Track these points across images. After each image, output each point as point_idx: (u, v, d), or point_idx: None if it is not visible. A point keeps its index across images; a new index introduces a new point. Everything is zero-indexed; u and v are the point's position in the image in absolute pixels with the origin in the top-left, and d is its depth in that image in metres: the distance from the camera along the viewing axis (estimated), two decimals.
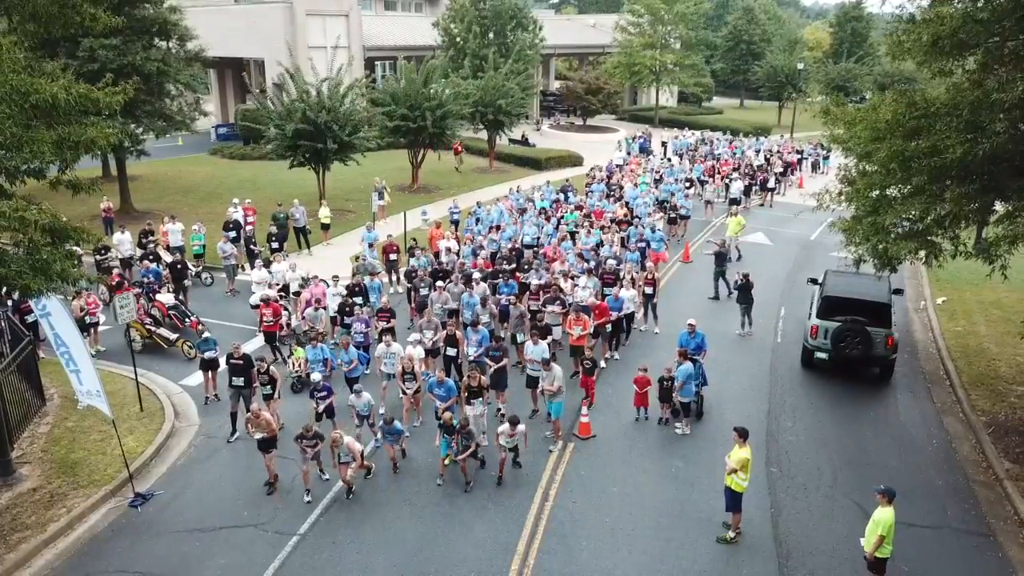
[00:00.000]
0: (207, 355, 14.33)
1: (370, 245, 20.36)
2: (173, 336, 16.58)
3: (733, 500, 10.65)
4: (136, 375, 14.30)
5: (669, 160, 36.77)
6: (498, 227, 21.76)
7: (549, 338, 14.89)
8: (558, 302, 16.19)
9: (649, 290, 17.73)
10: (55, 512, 11.18)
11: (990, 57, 11.24)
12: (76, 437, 13.15)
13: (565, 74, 63.40)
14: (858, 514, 11.33)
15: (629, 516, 11.25)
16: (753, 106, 71.46)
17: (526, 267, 18.58)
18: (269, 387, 13.05)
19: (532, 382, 13.81)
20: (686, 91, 61.84)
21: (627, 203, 25.56)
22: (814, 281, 17.71)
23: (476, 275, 17.24)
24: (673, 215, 25.50)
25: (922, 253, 11.77)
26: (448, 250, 19.88)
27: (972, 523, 11.33)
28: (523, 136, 43.59)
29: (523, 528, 10.87)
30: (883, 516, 9.19)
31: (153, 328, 16.51)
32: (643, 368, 13.63)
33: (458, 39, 41.58)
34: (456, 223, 24.41)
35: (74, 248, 9.80)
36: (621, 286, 17.13)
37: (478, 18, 41.38)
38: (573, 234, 21.82)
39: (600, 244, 20.68)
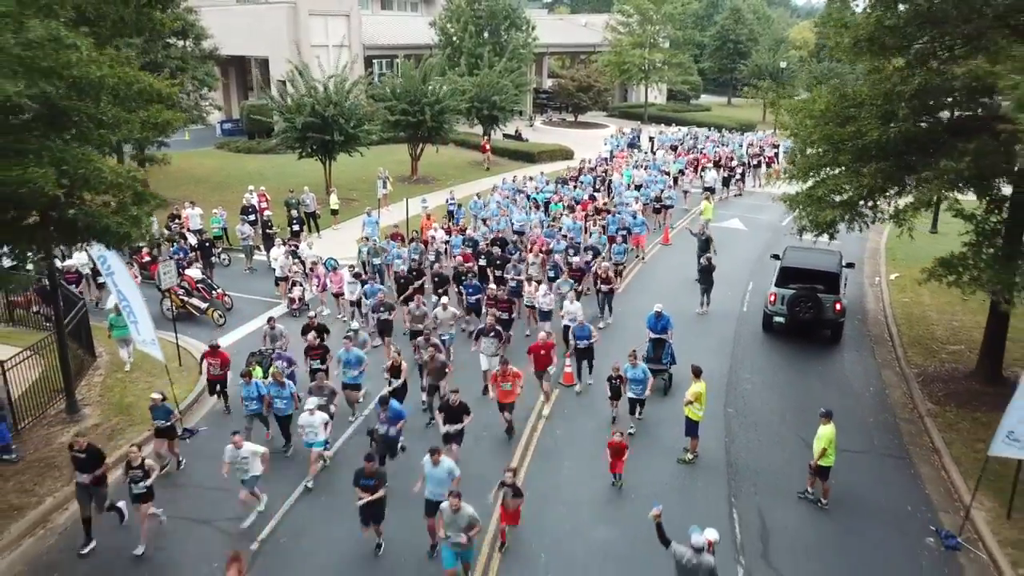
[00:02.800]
0: (158, 424, 12.06)
1: (377, 226, 22.25)
2: (203, 305, 18.55)
3: (690, 427, 12.70)
4: (176, 335, 16.26)
5: (654, 154, 38.86)
6: (485, 220, 23.37)
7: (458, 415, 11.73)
8: (493, 333, 14.58)
9: (606, 287, 18.10)
10: (116, 443, 13.12)
11: (913, 56, 13.31)
12: (126, 386, 15.15)
13: (557, 72, 65.45)
14: (800, 445, 13.35)
15: (604, 444, 13.23)
16: (740, 103, 73.60)
17: (498, 262, 18.97)
18: (142, 483, 10.25)
19: (432, 508, 9.89)
20: (675, 89, 64.05)
21: (610, 190, 27.53)
22: (776, 257, 19.72)
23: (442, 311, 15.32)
24: (657, 205, 27.44)
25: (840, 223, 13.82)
26: (434, 239, 21.19)
27: (894, 449, 13.44)
28: (516, 131, 45.58)
29: (515, 451, 12.88)
30: (824, 432, 11.26)
31: (186, 298, 18.46)
32: (619, 432, 12.02)
33: (454, 38, 43.53)
34: (451, 214, 25.76)
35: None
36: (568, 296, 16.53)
37: (473, 18, 43.34)
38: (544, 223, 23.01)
39: (585, 231, 22.35)
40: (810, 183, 13.95)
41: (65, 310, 16.52)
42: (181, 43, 27.75)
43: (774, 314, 17.75)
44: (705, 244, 21.67)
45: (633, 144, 42.68)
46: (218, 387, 14.27)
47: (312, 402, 11.92)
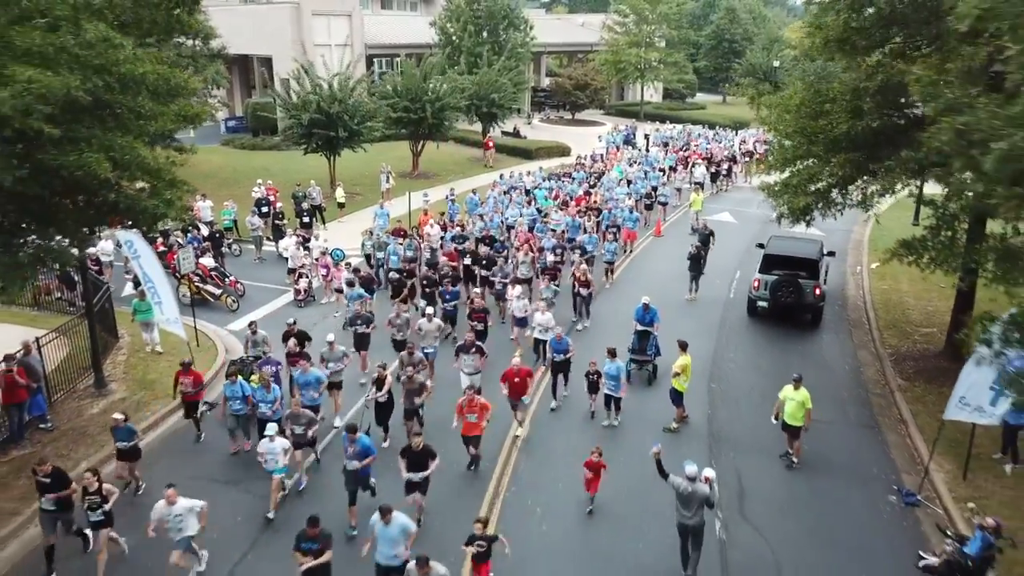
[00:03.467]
0: (120, 445, 11.44)
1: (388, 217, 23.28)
2: (217, 291, 19.56)
3: (676, 398, 13.73)
4: (194, 318, 17.27)
5: (648, 151, 39.90)
6: (481, 216, 23.94)
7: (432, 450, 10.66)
8: (474, 349, 13.79)
9: (585, 291, 17.87)
10: (142, 414, 14.13)
11: (886, 55, 14.33)
12: (148, 364, 16.17)
13: (555, 70, 66.41)
14: None
15: (595, 418, 14.28)
16: (734, 102, 74.59)
17: (484, 261, 18.80)
18: (100, 510, 9.71)
19: (382, 573, 9.12)
20: (670, 87, 65.10)
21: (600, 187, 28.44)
22: (761, 246, 20.74)
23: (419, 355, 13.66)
24: (648, 202, 28.44)
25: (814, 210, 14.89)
26: (430, 235, 21.70)
27: (864, 420, 14.50)
28: (515, 129, 46.59)
29: (511, 422, 13.87)
30: (804, 395, 12.30)
31: (201, 284, 19.46)
32: (597, 451, 11.43)
33: (454, 37, 44.47)
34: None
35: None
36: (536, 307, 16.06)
37: (472, 18, 44.29)
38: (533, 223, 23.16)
39: (580, 228, 22.93)
40: (787, 173, 15.01)
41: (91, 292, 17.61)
42: (191, 42, 28.72)
43: (757, 299, 18.78)
44: (705, 239, 22.32)
45: (628, 141, 43.71)
46: (192, 410, 13.31)
47: (272, 428, 11.14)
